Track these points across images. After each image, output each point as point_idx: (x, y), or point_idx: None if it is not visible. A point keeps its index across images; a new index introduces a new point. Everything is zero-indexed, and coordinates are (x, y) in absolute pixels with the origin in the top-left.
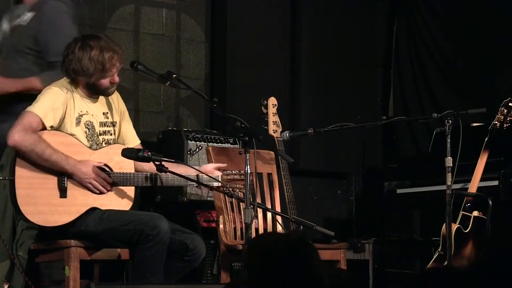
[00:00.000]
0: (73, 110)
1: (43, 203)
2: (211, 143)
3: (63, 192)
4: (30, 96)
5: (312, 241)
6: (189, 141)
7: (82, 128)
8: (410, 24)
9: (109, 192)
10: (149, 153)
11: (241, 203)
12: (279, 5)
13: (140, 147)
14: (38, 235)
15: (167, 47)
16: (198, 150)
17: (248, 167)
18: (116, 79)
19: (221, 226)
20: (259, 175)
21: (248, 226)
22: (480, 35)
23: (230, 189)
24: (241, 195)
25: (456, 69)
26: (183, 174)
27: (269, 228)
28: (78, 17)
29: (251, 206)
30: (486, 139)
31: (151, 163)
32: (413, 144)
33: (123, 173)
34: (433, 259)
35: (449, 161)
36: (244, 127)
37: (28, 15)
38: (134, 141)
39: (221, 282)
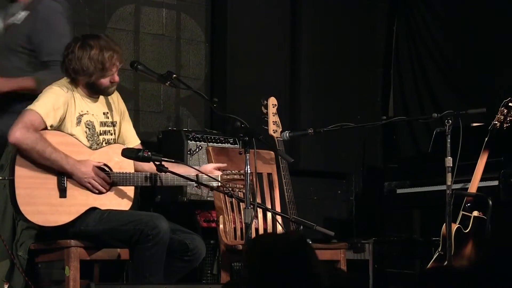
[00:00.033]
0: (73, 109)
1: (42, 203)
2: (211, 143)
3: (62, 192)
4: (24, 94)
5: (312, 241)
6: (189, 141)
7: (83, 128)
8: (410, 24)
9: (109, 192)
10: (149, 153)
11: (241, 203)
12: (279, 5)
13: (140, 147)
14: (37, 235)
15: (167, 47)
16: (198, 150)
17: (248, 167)
18: (116, 78)
19: (221, 226)
20: (259, 175)
21: (248, 226)
22: (480, 35)
23: (230, 189)
24: (241, 195)
25: (456, 69)
26: (183, 174)
27: (269, 228)
28: (77, 17)
29: (251, 206)
30: (486, 139)
31: (151, 163)
32: (413, 144)
33: (122, 173)
34: (433, 259)
35: (449, 161)
36: (244, 127)
37: (22, 14)
38: (134, 141)
39: (221, 282)
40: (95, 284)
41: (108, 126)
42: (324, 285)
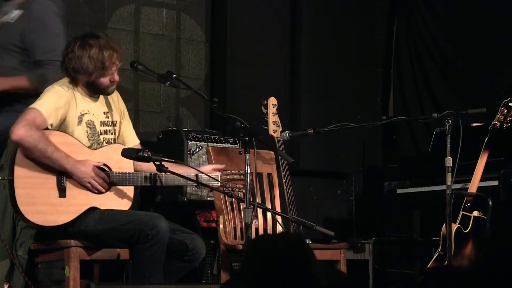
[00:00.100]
0: (75, 109)
1: (42, 202)
2: (211, 143)
3: (62, 192)
4: (19, 94)
5: (312, 241)
6: (189, 141)
7: (84, 127)
8: (410, 24)
9: (109, 192)
10: (149, 153)
11: (241, 203)
12: (279, 5)
13: (139, 147)
14: (37, 235)
15: (167, 47)
16: (198, 150)
17: (248, 167)
18: (116, 77)
19: (221, 226)
20: (259, 175)
21: (248, 226)
22: (480, 35)
23: (230, 189)
24: (241, 195)
25: (456, 69)
26: (183, 174)
27: (269, 228)
28: (77, 17)
29: (251, 206)
30: (486, 139)
31: (151, 163)
32: (413, 144)
33: (122, 173)
34: (433, 259)
35: (449, 161)
36: (244, 127)
37: (15, 13)
38: (133, 141)
39: (221, 282)
40: (95, 284)
41: (108, 126)
42: (322, 285)
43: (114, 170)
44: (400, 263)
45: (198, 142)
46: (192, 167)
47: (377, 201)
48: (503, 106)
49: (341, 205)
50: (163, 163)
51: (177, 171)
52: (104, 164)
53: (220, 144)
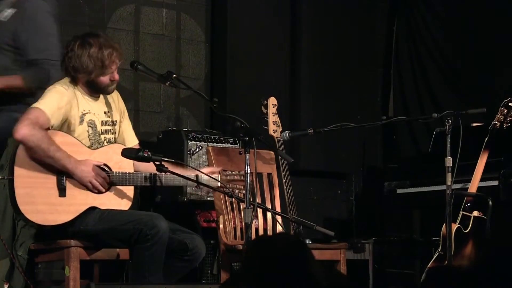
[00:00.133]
0: (76, 109)
1: (42, 202)
2: (211, 143)
3: (62, 191)
4: (16, 93)
5: (312, 241)
6: (189, 141)
7: (85, 127)
8: (410, 24)
9: (108, 192)
10: (149, 153)
11: (241, 203)
12: (279, 5)
13: (138, 147)
14: (37, 234)
15: (167, 47)
16: (198, 150)
17: (248, 167)
18: (116, 76)
19: (221, 226)
20: (259, 175)
21: (248, 226)
22: (480, 35)
23: (230, 189)
24: (241, 195)
25: (456, 69)
26: (183, 174)
27: (269, 228)
28: (77, 17)
29: (251, 206)
30: (486, 139)
31: (151, 163)
32: (413, 144)
33: (122, 173)
34: (433, 259)
35: (449, 161)
36: (244, 127)
37: (8, 12)
38: (132, 141)
39: (221, 282)
40: (95, 284)
41: (109, 125)
42: (322, 285)
43: (114, 170)
44: (400, 263)
45: (198, 142)
46: (192, 167)
47: (377, 201)
48: (503, 106)
49: (341, 205)
50: (163, 163)
51: (177, 171)
52: (104, 164)
53: (220, 144)
